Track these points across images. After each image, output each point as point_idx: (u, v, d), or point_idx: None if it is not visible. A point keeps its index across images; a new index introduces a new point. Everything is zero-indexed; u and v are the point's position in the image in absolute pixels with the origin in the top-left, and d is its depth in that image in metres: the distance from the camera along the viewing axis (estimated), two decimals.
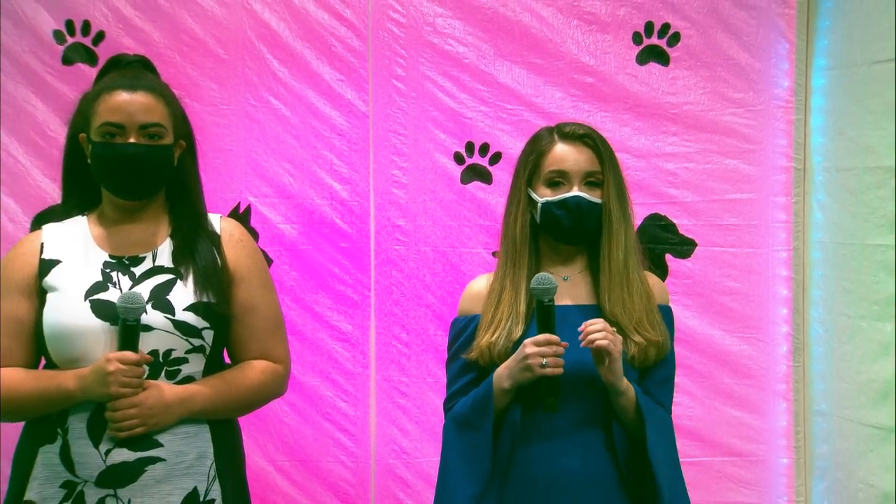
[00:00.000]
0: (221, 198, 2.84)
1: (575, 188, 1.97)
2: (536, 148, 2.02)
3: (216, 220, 2.07)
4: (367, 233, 2.90)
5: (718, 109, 2.90)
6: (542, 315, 1.88)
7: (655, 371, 2.02)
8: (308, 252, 2.89)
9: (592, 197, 1.97)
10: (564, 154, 1.98)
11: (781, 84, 2.89)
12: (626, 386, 1.91)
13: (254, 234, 2.85)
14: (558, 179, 1.98)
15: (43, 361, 1.97)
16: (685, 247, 2.92)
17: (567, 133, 2.01)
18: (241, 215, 2.86)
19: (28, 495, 1.89)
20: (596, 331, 1.85)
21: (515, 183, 2.05)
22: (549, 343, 1.85)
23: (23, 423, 1.98)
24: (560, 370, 1.85)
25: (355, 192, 2.89)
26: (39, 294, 1.93)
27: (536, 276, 1.90)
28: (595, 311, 1.99)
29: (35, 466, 1.90)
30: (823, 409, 2.84)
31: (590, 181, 1.98)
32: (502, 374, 1.91)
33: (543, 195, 1.99)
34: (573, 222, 1.97)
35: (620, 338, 1.89)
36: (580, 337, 1.86)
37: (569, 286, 2.02)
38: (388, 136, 2.90)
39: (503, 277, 2.02)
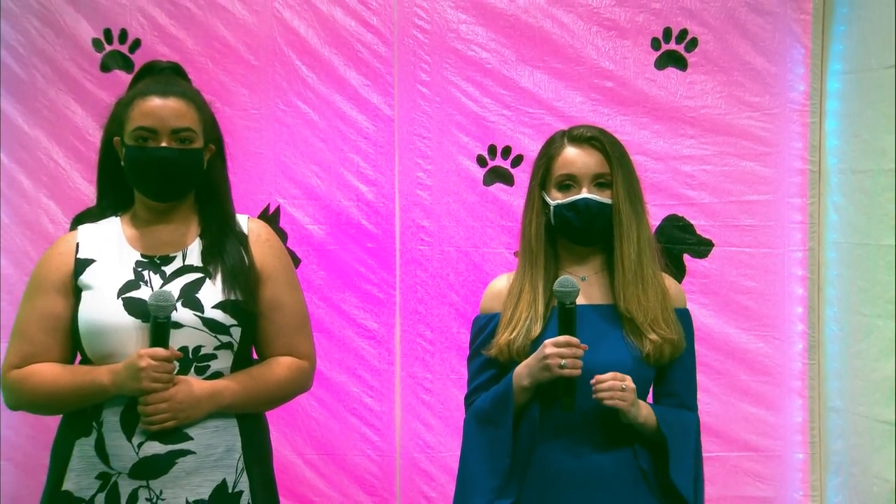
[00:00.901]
0: (252, 199, 2.84)
1: (584, 190, 1.96)
2: (548, 152, 2.03)
3: (244, 221, 2.07)
4: (393, 233, 2.90)
5: (735, 113, 2.87)
6: (564, 317, 1.88)
7: (678, 374, 2.01)
8: (335, 252, 2.89)
9: (602, 198, 1.96)
10: (573, 157, 1.98)
11: (797, 88, 2.86)
12: (645, 417, 1.90)
13: (283, 234, 2.85)
14: (568, 182, 1.98)
15: (79, 357, 1.98)
16: (702, 247, 2.90)
17: (576, 136, 2.00)
18: (271, 216, 2.86)
19: (65, 486, 1.90)
20: (603, 389, 1.85)
21: (531, 186, 2.06)
22: (568, 345, 1.85)
23: (60, 417, 1.99)
24: (578, 371, 1.84)
25: (381, 193, 2.89)
26: (75, 292, 1.95)
27: (559, 278, 1.89)
28: (611, 310, 1.98)
29: (72, 458, 1.91)
30: (838, 405, 2.81)
31: (599, 182, 1.97)
32: (522, 373, 1.91)
33: (555, 198, 1.98)
34: (583, 223, 1.96)
35: (632, 386, 1.87)
36: (591, 382, 1.86)
37: (585, 286, 2.00)
38: (412, 139, 2.89)
39: (522, 278, 2.02)
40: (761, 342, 2.89)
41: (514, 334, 1.95)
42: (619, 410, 1.86)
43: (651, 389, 2.03)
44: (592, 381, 1.85)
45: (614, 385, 1.85)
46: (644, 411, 1.90)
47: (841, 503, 2.80)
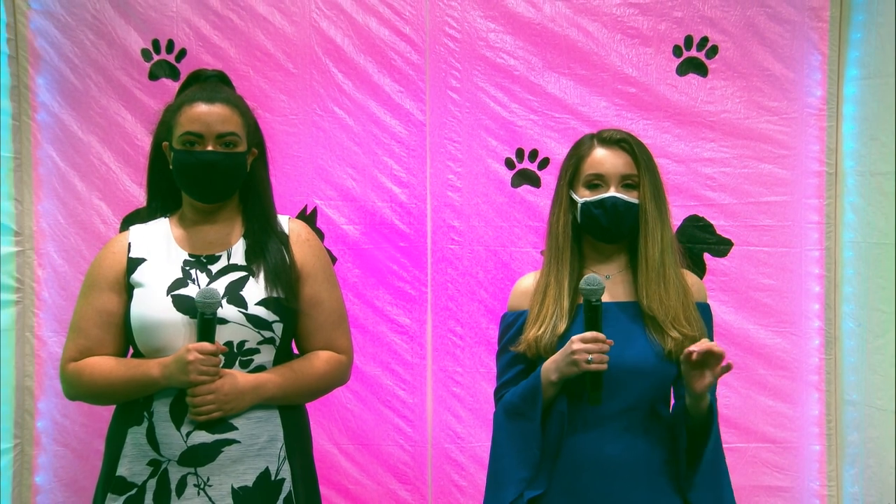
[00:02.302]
0: (290, 200, 2.86)
1: (612, 189, 1.95)
2: (577, 152, 2.02)
3: (285, 222, 2.08)
4: (424, 233, 2.90)
5: (754, 117, 2.85)
6: (590, 314, 1.87)
7: None
8: (369, 251, 2.90)
9: (629, 197, 1.95)
10: (602, 158, 1.97)
11: (814, 93, 2.84)
12: (706, 405, 1.90)
13: (320, 234, 2.87)
14: (596, 182, 1.97)
15: (131, 351, 2.01)
16: (722, 246, 2.88)
17: (605, 138, 2.00)
18: (309, 217, 2.88)
19: (119, 471, 1.92)
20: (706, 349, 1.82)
21: (559, 185, 2.05)
22: (595, 340, 1.84)
23: (114, 407, 2.02)
24: (604, 366, 1.84)
25: (413, 195, 2.89)
26: (127, 289, 1.97)
27: (585, 276, 1.88)
28: (634, 307, 1.97)
29: (125, 445, 1.93)
30: (855, 398, 2.79)
31: (627, 183, 1.97)
32: (550, 368, 1.90)
33: (583, 196, 1.97)
34: (610, 221, 1.95)
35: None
36: (694, 351, 1.81)
37: (610, 284, 2.00)
38: (443, 142, 2.89)
39: (548, 274, 2.01)
40: (779, 338, 2.87)
41: (541, 330, 1.95)
42: (704, 380, 1.82)
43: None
44: (699, 347, 1.80)
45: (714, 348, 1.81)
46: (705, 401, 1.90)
47: (857, 493, 2.78)
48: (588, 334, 1.85)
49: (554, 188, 2.08)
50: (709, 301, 2.10)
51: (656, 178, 1.99)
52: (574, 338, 1.86)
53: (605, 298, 1.95)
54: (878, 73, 2.69)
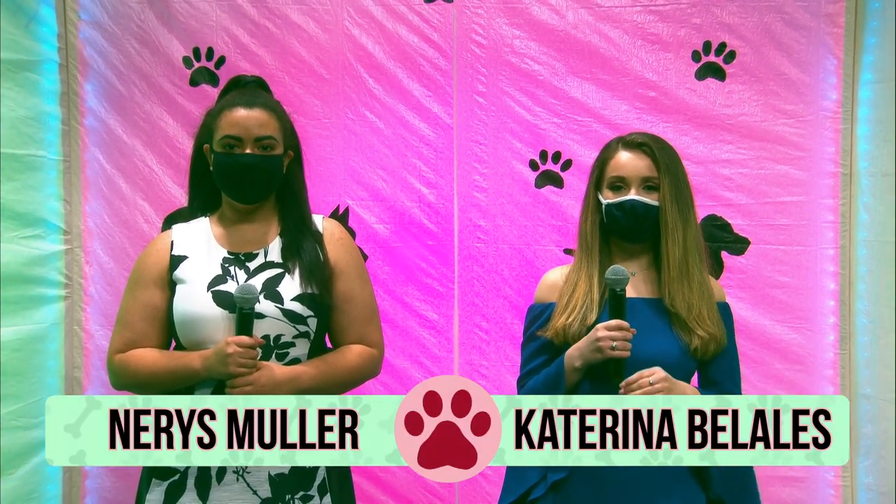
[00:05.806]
0: (323, 201, 2.87)
1: (632, 192, 1.95)
2: (603, 155, 2.03)
3: (319, 221, 2.09)
4: (452, 232, 2.90)
5: (771, 120, 2.83)
6: (615, 303, 1.87)
7: (720, 364, 1.99)
8: (399, 249, 2.90)
9: (649, 200, 1.94)
10: (625, 161, 1.97)
11: (829, 97, 2.81)
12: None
13: (351, 233, 2.87)
14: (619, 184, 1.97)
15: (173, 343, 2.02)
16: (740, 245, 2.86)
17: (629, 142, 2.00)
18: (341, 216, 2.89)
19: None
20: (639, 388, 1.83)
21: (587, 187, 2.06)
22: (619, 328, 1.84)
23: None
24: (627, 353, 1.84)
25: (441, 195, 2.90)
26: (170, 285, 1.98)
27: (611, 267, 1.88)
28: (658, 303, 1.96)
29: None
30: (868, 392, 2.76)
31: (648, 185, 1.96)
32: (574, 355, 1.90)
33: (607, 197, 1.98)
34: (630, 222, 1.95)
35: (661, 375, 1.84)
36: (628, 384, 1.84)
37: (636, 280, 1.99)
38: (470, 145, 2.89)
39: (579, 269, 2.02)
40: (795, 333, 2.85)
41: (570, 319, 1.95)
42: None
43: (696, 381, 2.01)
44: (623, 385, 1.84)
45: (643, 383, 1.83)
46: (689, 392, 1.88)
47: (871, 483, 2.75)
48: (612, 322, 1.85)
49: (578, 189, 2.08)
50: (727, 298, 2.08)
51: (678, 181, 1.97)
52: (599, 325, 1.86)
53: (632, 294, 1.94)
54: (892, 77, 2.66)
